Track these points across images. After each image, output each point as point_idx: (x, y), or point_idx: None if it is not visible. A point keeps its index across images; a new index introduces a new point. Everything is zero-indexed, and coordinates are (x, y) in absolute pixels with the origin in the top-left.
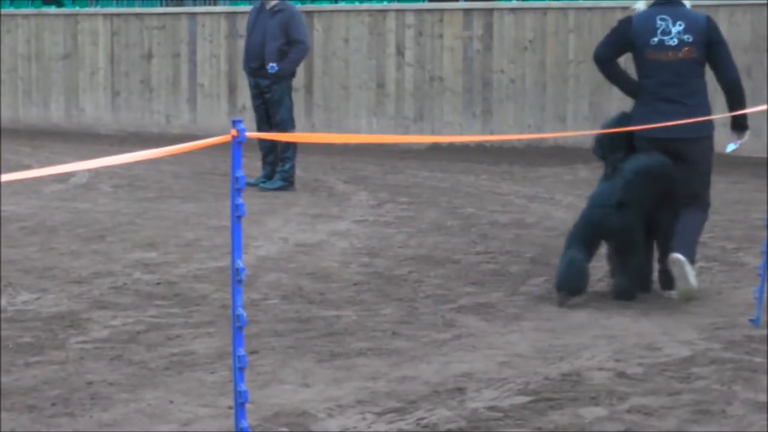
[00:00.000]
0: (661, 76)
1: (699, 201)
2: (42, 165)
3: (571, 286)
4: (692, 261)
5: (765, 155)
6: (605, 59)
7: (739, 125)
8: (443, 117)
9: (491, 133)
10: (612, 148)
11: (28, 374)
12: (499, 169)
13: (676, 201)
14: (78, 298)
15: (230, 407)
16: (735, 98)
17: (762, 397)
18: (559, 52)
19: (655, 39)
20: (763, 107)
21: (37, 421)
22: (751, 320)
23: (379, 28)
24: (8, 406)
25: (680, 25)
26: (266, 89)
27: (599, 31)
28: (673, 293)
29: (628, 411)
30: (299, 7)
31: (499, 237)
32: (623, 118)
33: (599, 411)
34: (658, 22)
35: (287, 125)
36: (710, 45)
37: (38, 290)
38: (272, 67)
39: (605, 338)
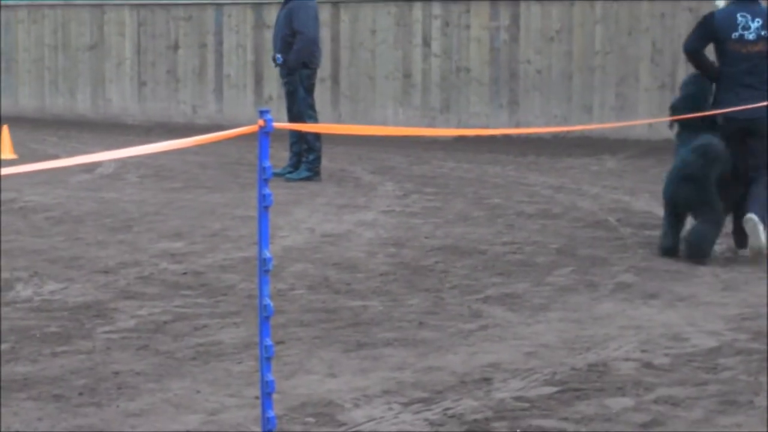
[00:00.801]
0: (741, 66)
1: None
2: (69, 155)
3: (666, 253)
4: (764, 221)
5: None
6: (696, 51)
7: None
8: (470, 108)
9: (518, 123)
10: (690, 111)
11: (55, 364)
12: (526, 159)
13: (745, 172)
14: (104, 288)
15: (257, 397)
16: None
17: None
18: (586, 43)
19: (737, 33)
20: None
21: (63, 410)
22: None
23: (406, 18)
24: (35, 395)
25: (758, 21)
26: (285, 80)
27: (625, 21)
28: (746, 251)
29: (655, 401)
30: None
31: (526, 227)
32: (695, 84)
33: (626, 401)
34: (739, 18)
35: (303, 116)
36: None
37: (65, 280)
38: (278, 58)
39: (632, 329)
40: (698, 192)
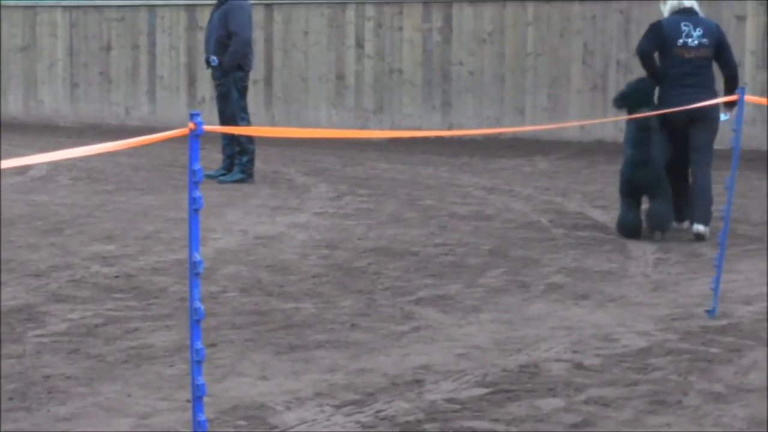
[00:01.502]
0: (685, 68)
1: (708, 154)
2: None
3: (627, 234)
4: (709, 221)
5: (721, 147)
6: (648, 54)
7: (731, 103)
8: (402, 109)
9: (451, 124)
10: (637, 103)
11: None
12: (459, 160)
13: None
14: (36, 292)
15: (188, 400)
16: (733, 84)
17: (718, 388)
18: (518, 45)
19: (681, 40)
20: (730, 98)
21: None
22: (708, 311)
23: (339, 20)
24: None
25: (699, 30)
26: (217, 82)
27: (557, 23)
28: (685, 224)
29: (585, 402)
30: None
31: (458, 229)
32: (642, 82)
33: (556, 402)
34: (683, 27)
35: (236, 118)
36: (719, 47)
37: None
38: (213, 60)
39: (563, 330)
40: (652, 175)
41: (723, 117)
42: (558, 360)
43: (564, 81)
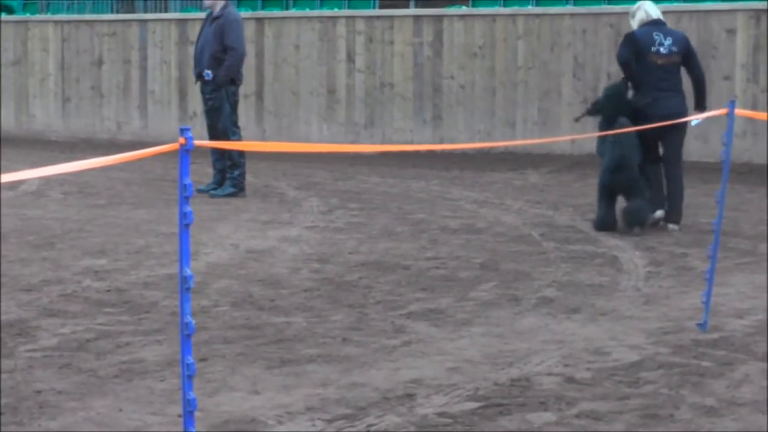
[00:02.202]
0: (657, 74)
1: (679, 155)
2: None
3: (603, 230)
4: (680, 219)
5: (712, 160)
6: (629, 61)
7: (701, 107)
8: (394, 123)
9: (442, 138)
10: (613, 108)
11: None
12: (450, 174)
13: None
14: (27, 306)
15: (179, 415)
16: (701, 89)
17: (710, 401)
18: (509, 58)
19: (654, 48)
20: (720, 112)
21: None
22: (699, 324)
23: (330, 34)
24: None
25: (669, 39)
26: (208, 96)
27: (548, 37)
28: (657, 213)
29: (577, 416)
30: (249, 13)
31: (449, 242)
32: (622, 85)
33: (548, 416)
34: (655, 36)
35: (228, 133)
36: (687, 54)
37: None
38: (207, 74)
39: (554, 343)
40: (628, 179)
41: (695, 122)
42: (549, 374)
43: (555, 94)
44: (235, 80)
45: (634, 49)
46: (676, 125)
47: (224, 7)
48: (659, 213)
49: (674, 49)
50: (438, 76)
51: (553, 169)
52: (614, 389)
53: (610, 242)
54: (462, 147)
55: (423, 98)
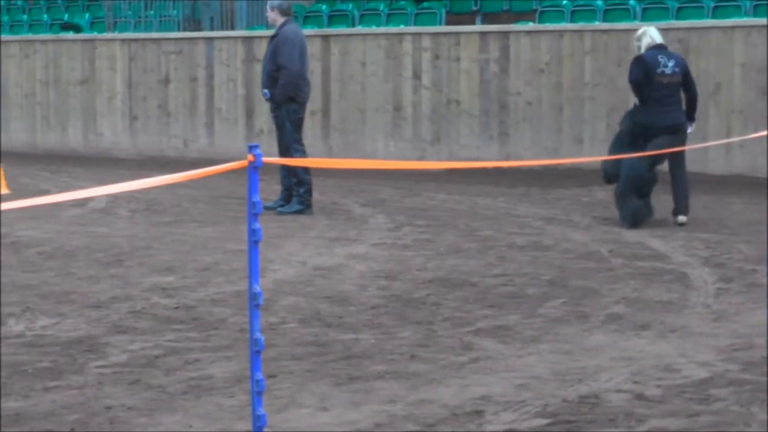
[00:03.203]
0: (662, 92)
1: (683, 157)
2: (60, 190)
3: (637, 223)
4: (688, 211)
5: (760, 175)
6: (640, 81)
7: (693, 119)
8: (460, 140)
9: (508, 155)
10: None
11: (47, 399)
12: (516, 191)
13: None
14: (96, 323)
15: (248, 431)
16: (695, 104)
17: None
18: (576, 74)
19: (660, 69)
20: (763, 133)
21: None
22: None
23: (396, 51)
24: (27, 431)
25: (672, 61)
26: (273, 114)
27: (614, 53)
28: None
29: None
30: (315, 31)
31: (517, 259)
32: (635, 110)
33: None
34: (660, 58)
35: (291, 150)
36: (685, 75)
37: (57, 315)
38: (266, 93)
39: (623, 360)
40: (642, 184)
41: (689, 129)
42: (618, 390)
43: (622, 110)
44: (294, 98)
45: (644, 70)
46: (678, 135)
47: (282, 25)
48: (682, 218)
49: (676, 69)
50: (504, 92)
51: None
52: (684, 406)
53: (680, 259)
54: (529, 164)
55: (489, 115)
